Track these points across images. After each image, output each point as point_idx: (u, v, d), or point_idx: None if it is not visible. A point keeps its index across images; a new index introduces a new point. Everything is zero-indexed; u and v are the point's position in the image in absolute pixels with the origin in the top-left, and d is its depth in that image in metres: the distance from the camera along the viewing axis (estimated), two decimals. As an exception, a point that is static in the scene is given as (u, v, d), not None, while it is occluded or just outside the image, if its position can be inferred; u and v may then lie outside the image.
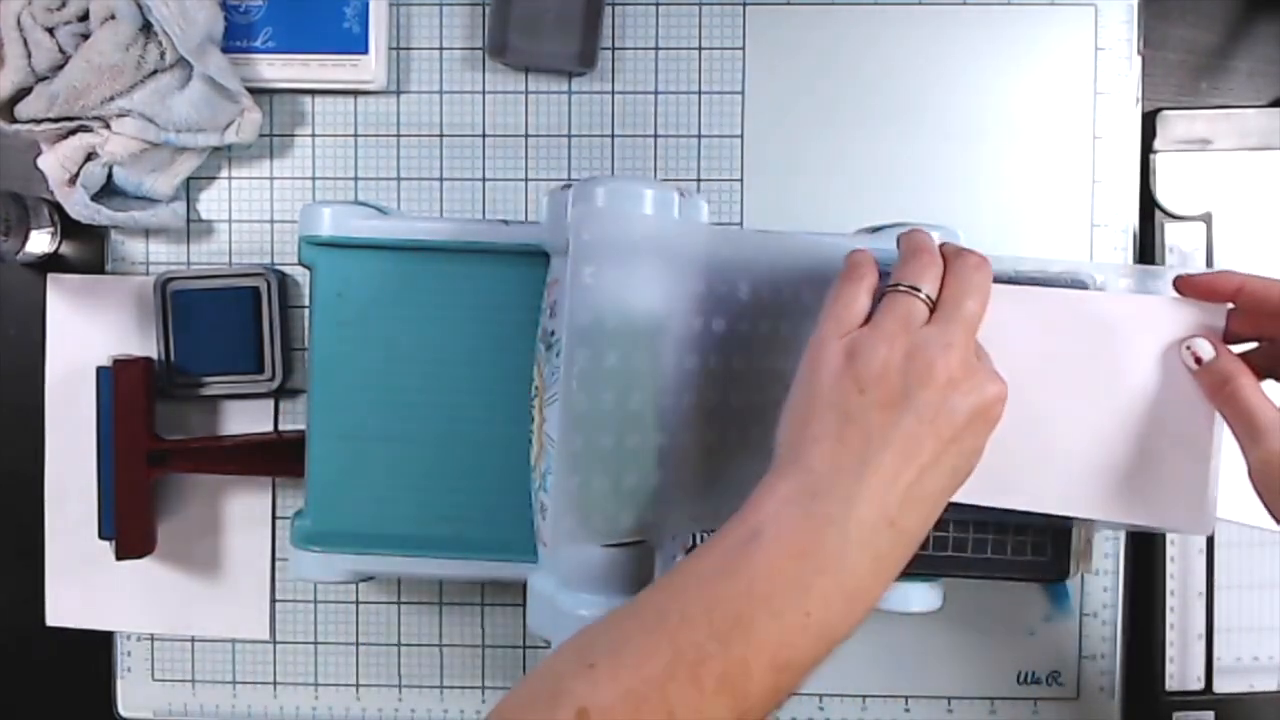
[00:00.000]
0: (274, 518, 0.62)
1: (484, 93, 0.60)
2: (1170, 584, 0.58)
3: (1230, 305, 0.44)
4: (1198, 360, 0.44)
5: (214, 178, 0.61)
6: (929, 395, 0.38)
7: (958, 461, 0.39)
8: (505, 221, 0.53)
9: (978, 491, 0.43)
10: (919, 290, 0.40)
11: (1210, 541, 0.58)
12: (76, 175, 0.57)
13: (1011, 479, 0.46)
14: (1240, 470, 0.44)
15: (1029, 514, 0.47)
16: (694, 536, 0.51)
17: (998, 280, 0.44)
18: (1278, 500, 0.42)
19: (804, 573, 0.36)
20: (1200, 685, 0.58)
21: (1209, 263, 0.58)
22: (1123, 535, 0.60)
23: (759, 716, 0.35)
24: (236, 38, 0.58)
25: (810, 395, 0.40)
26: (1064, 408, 0.46)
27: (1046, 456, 0.46)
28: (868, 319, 0.41)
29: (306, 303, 0.55)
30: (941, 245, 0.43)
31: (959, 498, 0.41)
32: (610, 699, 0.34)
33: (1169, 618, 0.58)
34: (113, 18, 0.55)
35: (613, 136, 0.60)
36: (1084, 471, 0.46)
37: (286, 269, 0.61)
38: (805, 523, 0.37)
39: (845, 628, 0.37)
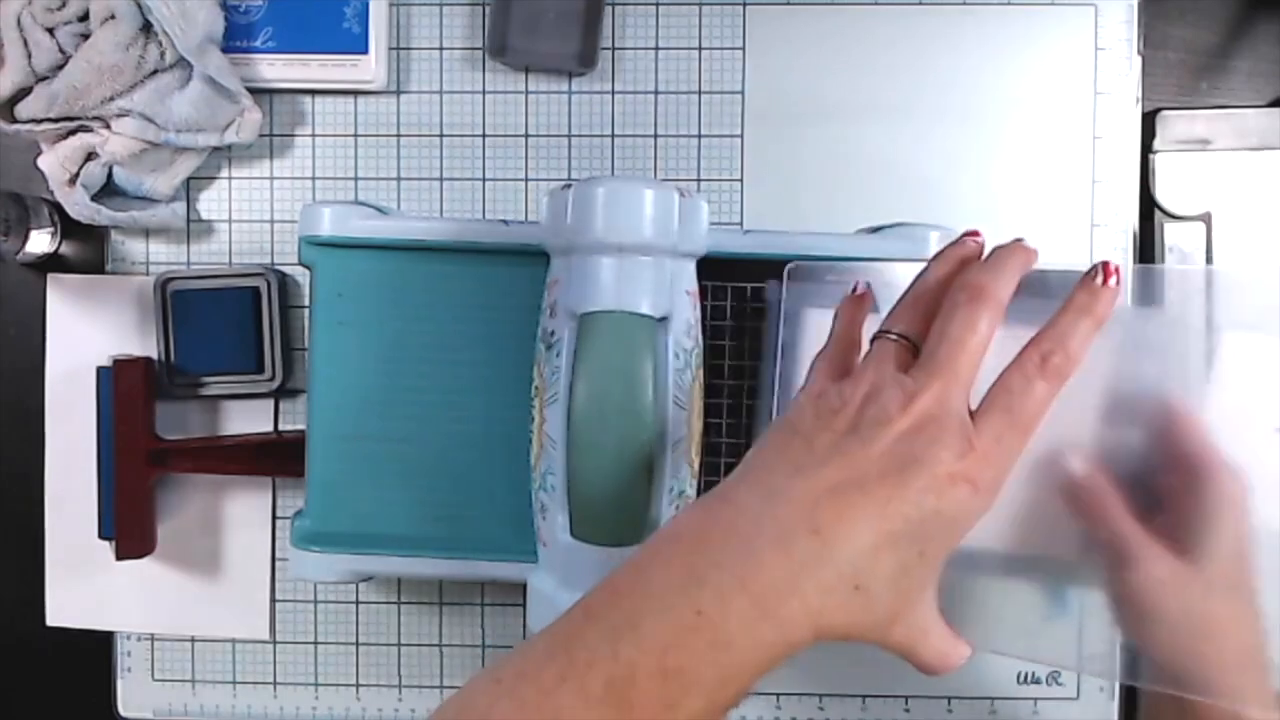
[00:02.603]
0: (274, 518, 0.62)
1: (484, 93, 0.60)
2: (1170, 584, 0.58)
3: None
4: None
5: (214, 178, 0.61)
6: (879, 431, 0.34)
7: (915, 515, 0.33)
8: (505, 221, 0.53)
9: None
10: (891, 333, 0.38)
11: (1210, 541, 0.58)
12: (76, 175, 0.57)
13: None
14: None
15: None
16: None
17: None
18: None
19: (699, 564, 0.32)
20: (1200, 685, 0.58)
21: (1209, 263, 0.58)
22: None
23: None
24: (236, 38, 0.58)
25: (775, 424, 0.38)
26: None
27: None
28: None
29: (306, 303, 0.55)
30: (954, 269, 0.40)
31: None
32: (506, 710, 0.32)
33: (1169, 618, 0.58)
34: (113, 18, 0.55)
35: (613, 136, 0.60)
36: None
37: (286, 269, 0.61)
38: (717, 511, 0.34)
39: (750, 642, 0.32)
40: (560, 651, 0.33)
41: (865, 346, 0.39)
